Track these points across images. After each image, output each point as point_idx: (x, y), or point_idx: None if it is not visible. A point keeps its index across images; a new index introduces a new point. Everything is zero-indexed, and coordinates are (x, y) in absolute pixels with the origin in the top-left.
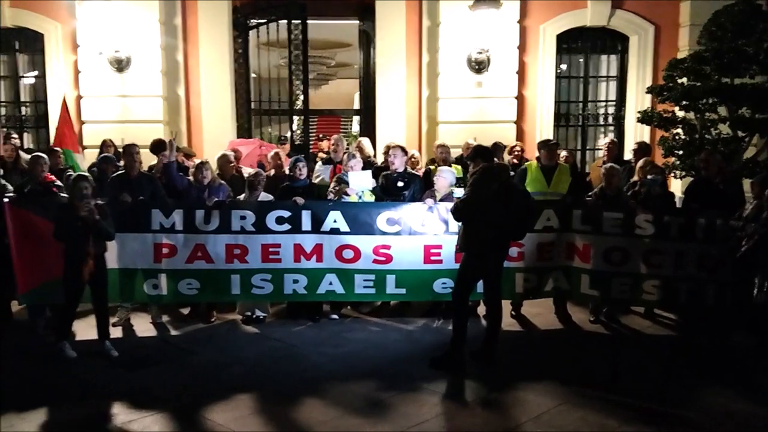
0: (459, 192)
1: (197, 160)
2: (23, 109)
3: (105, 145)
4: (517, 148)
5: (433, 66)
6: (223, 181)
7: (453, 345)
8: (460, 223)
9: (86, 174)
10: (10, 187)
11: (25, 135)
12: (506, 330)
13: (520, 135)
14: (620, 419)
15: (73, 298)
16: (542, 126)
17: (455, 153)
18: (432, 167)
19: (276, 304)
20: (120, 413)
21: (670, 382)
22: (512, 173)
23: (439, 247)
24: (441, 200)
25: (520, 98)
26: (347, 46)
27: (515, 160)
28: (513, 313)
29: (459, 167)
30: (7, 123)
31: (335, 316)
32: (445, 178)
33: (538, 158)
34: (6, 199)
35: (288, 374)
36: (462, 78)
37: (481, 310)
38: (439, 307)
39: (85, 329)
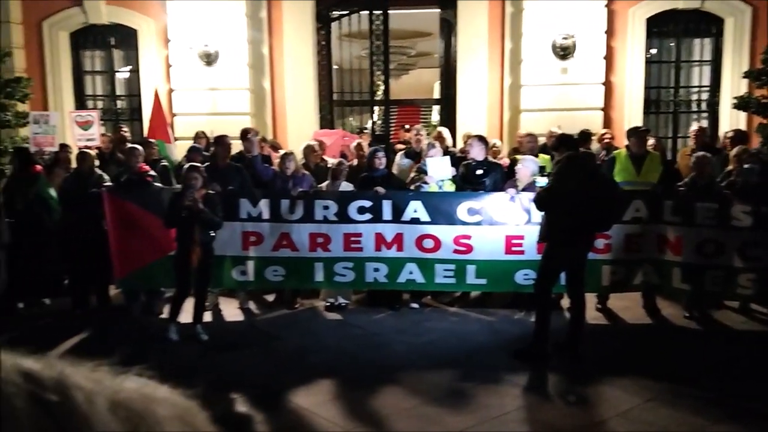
0: (542, 181)
1: (282, 151)
2: (118, 102)
3: (198, 136)
4: (608, 136)
5: (516, 53)
6: (307, 172)
7: (536, 337)
8: (542, 213)
9: (198, 165)
10: (106, 177)
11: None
12: (591, 323)
13: (607, 122)
14: (711, 418)
15: (182, 283)
16: (631, 113)
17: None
18: (517, 157)
19: (358, 291)
20: (211, 394)
21: (763, 381)
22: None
23: (521, 237)
24: (523, 190)
25: (608, 84)
26: (428, 35)
27: (604, 149)
28: (599, 306)
29: (547, 157)
30: (103, 116)
31: (415, 305)
32: (527, 167)
33: (627, 146)
34: (104, 189)
35: (369, 361)
36: (546, 64)
37: (565, 302)
38: (521, 298)
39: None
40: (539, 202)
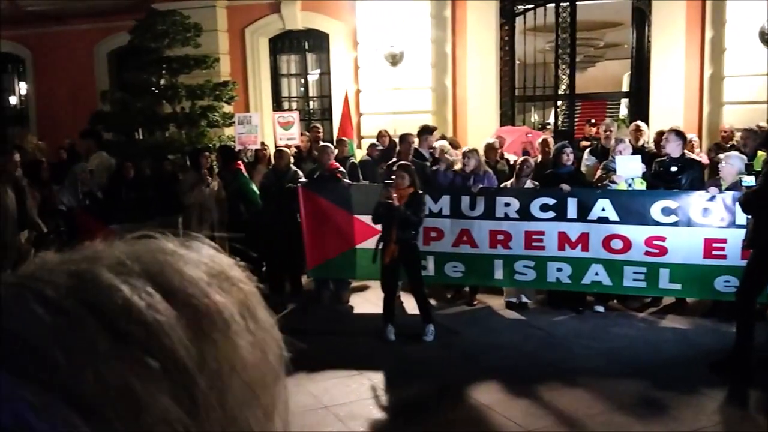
0: (749, 181)
1: (465, 148)
2: (310, 103)
3: (380, 135)
4: None
5: (717, 41)
6: (488, 169)
7: (737, 349)
8: (749, 216)
9: (407, 163)
10: (301, 174)
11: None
12: None
13: None
14: None
15: (383, 282)
16: None
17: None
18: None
19: (539, 291)
20: (392, 384)
21: None
22: None
23: (723, 241)
24: (727, 189)
25: None
26: (617, 25)
27: None
28: None
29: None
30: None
31: (600, 309)
32: (732, 165)
33: None
34: (299, 184)
35: (550, 363)
36: (753, 53)
37: None
38: (720, 306)
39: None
40: (746, 204)
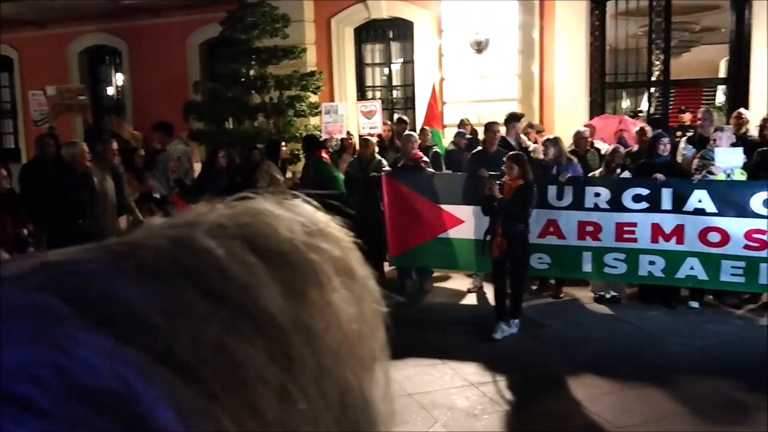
0: None
1: (550, 136)
2: (394, 92)
3: (462, 123)
4: None
5: None
6: (573, 158)
7: None
8: None
9: (519, 153)
10: (385, 163)
11: (395, 116)
12: None
13: None
14: None
15: (494, 277)
16: None
17: None
18: None
19: (629, 285)
20: (476, 375)
21: None
22: None
23: None
24: None
25: None
26: (715, 8)
27: None
28: None
29: None
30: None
31: (695, 305)
32: None
33: None
34: (383, 173)
35: (640, 360)
36: None
37: None
38: None
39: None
40: None
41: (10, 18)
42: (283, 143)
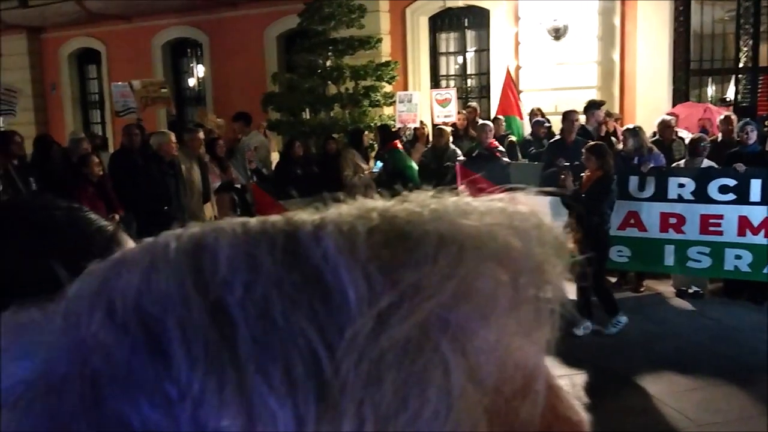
0: None
1: (629, 125)
2: (468, 81)
3: (533, 113)
4: None
5: None
6: (654, 147)
7: None
8: None
9: (597, 144)
10: (459, 152)
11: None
12: None
13: None
14: None
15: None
16: None
17: None
18: None
19: (714, 280)
20: (556, 369)
21: None
22: None
23: None
24: None
25: None
26: None
27: None
28: None
29: None
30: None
31: None
32: None
33: None
34: (457, 162)
35: (725, 357)
36: None
37: None
38: None
39: None
40: None
41: (98, 12)
42: (366, 131)
